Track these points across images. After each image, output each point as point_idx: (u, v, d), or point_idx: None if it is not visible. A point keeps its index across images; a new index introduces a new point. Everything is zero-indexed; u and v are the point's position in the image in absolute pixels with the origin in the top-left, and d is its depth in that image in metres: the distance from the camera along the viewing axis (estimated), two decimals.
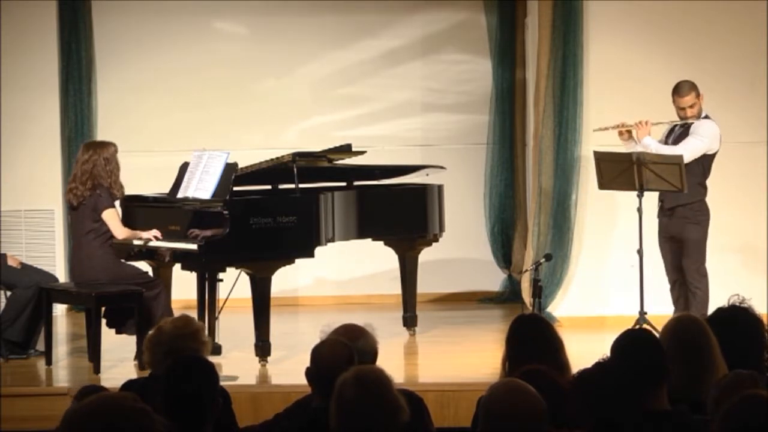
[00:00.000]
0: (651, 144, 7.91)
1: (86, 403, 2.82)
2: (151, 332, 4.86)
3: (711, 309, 4.67)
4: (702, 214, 7.91)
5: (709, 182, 8.08)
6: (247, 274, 7.58)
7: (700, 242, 7.91)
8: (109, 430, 2.75)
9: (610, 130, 8.05)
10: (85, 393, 4.06)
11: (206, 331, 5.18)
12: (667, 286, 8.08)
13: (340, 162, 8.39)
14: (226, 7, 10.37)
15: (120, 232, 7.70)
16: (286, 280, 8.84)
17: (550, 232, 9.11)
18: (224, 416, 4.38)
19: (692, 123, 7.90)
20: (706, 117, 7.94)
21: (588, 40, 9.10)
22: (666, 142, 8.03)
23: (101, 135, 9.85)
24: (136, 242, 7.76)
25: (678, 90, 7.94)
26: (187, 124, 10.26)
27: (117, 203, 7.86)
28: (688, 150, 7.82)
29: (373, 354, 4.64)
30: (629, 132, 8.03)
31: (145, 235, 7.67)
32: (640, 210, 7.86)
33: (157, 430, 2.80)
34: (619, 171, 7.87)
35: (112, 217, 7.73)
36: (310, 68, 10.46)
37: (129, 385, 5.01)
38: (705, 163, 7.93)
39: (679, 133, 8.01)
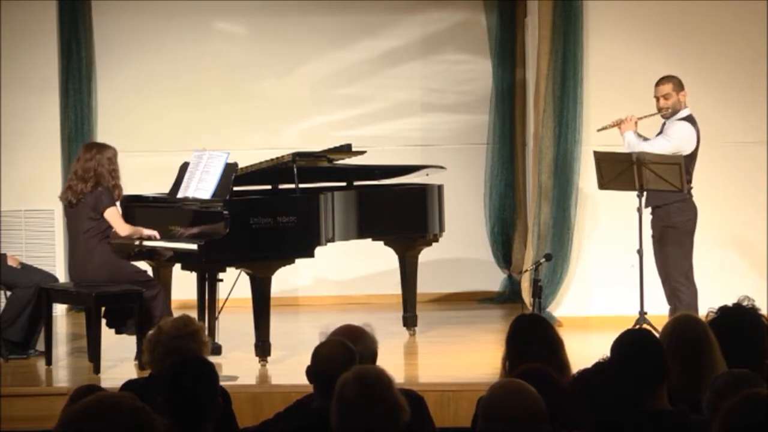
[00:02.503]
0: (627, 137, 7.92)
1: (85, 403, 2.81)
2: (151, 332, 4.86)
3: (715, 309, 4.63)
4: (679, 215, 7.81)
5: (709, 182, 8.05)
6: (247, 274, 7.58)
7: (680, 245, 7.82)
8: (109, 430, 2.74)
9: (609, 128, 8.06)
10: (80, 393, 4.04)
11: (206, 331, 5.17)
12: None
13: (340, 162, 8.39)
14: (226, 7, 10.37)
15: (123, 229, 7.71)
16: (286, 280, 8.84)
17: (550, 232, 9.11)
18: (224, 416, 4.37)
19: (669, 118, 7.89)
20: (687, 117, 7.89)
21: (588, 40, 9.10)
22: None
23: (101, 135, 9.85)
24: (136, 242, 7.77)
25: (658, 80, 7.97)
26: (187, 124, 10.25)
27: (117, 203, 7.86)
28: (653, 149, 7.79)
29: (373, 354, 4.64)
30: None
31: (147, 232, 7.69)
32: (640, 210, 7.84)
33: (157, 430, 2.79)
34: (619, 171, 7.86)
35: (114, 215, 7.74)
36: (310, 68, 10.46)
37: (129, 385, 5.01)
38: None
39: (658, 131, 8.01)
